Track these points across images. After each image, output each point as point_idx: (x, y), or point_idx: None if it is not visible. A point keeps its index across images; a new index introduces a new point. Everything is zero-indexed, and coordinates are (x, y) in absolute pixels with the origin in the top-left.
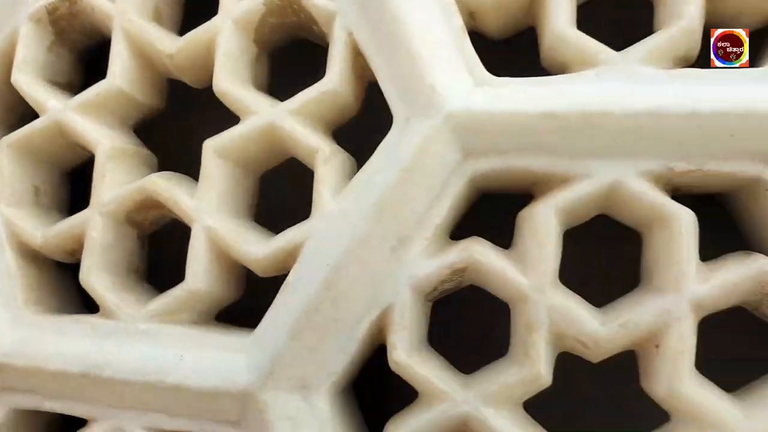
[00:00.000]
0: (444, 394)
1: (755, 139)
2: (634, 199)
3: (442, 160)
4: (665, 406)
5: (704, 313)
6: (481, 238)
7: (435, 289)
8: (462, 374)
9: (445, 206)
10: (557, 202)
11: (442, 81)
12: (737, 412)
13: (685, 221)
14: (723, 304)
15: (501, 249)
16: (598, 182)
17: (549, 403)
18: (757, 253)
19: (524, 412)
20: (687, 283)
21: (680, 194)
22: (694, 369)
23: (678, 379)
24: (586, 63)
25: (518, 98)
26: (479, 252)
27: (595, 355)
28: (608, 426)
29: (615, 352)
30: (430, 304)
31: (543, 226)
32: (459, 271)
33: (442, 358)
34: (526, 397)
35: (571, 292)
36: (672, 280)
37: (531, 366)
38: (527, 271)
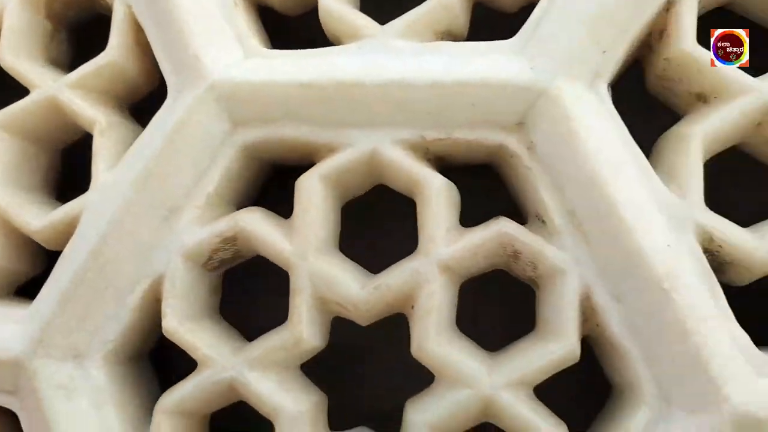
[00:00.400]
0: (210, 360)
1: (494, 109)
2: (392, 167)
3: (208, 130)
4: (425, 365)
5: (459, 275)
6: (258, 208)
7: (210, 258)
8: (246, 342)
9: (216, 175)
10: (321, 170)
11: (208, 52)
12: (483, 368)
13: (434, 187)
14: (473, 265)
15: (278, 217)
16: (359, 151)
17: (343, 367)
18: (503, 217)
19: (301, 375)
20: (435, 246)
21: (448, 165)
22: (445, 328)
23: (426, 337)
24: (352, 36)
25: (281, 69)
26: (246, 220)
27: (361, 318)
28: (392, 386)
29: (379, 314)
30: (217, 274)
31: (305, 193)
32: (230, 240)
33: (230, 327)
34: (296, 360)
35: (338, 258)
36: (423, 243)
37: (293, 329)
38: (293, 238)
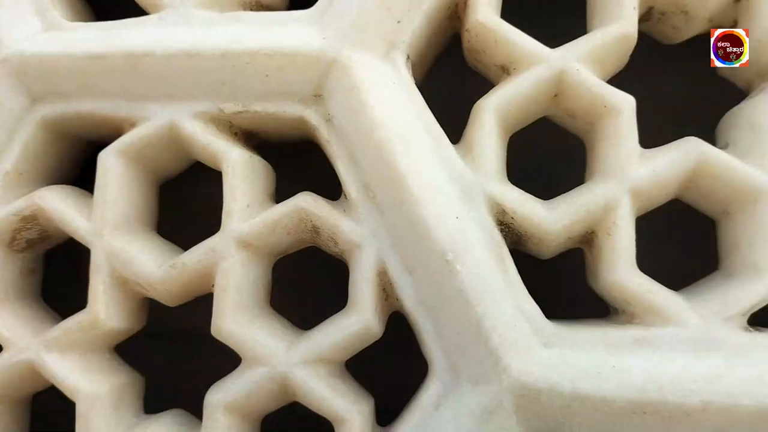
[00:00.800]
0: (9, 342)
1: (288, 79)
2: (191, 141)
3: (4, 105)
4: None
5: (263, 252)
6: (60, 186)
7: (14, 238)
8: None
9: (15, 153)
10: (117, 146)
11: (2, 25)
12: (281, 347)
13: (231, 161)
14: (278, 242)
15: (87, 195)
16: (156, 124)
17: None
18: (306, 192)
19: (111, 357)
20: (231, 222)
21: (263, 141)
22: (246, 306)
23: (222, 316)
24: (156, 7)
25: (76, 41)
26: (43, 198)
27: (164, 299)
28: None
29: (183, 294)
30: (30, 255)
31: (102, 170)
32: (31, 219)
33: (47, 310)
34: (102, 342)
35: (142, 237)
36: (223, 219)
37: (89, 310)
38: (91, 216)
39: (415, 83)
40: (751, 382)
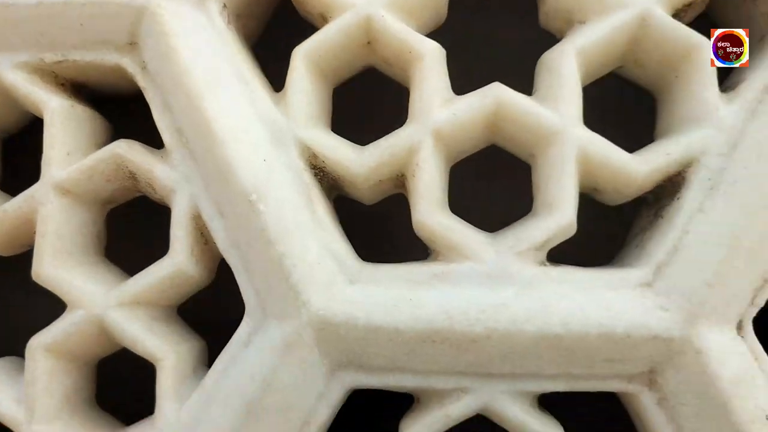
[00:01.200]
0: None
1: (102, 28)
2: (13, 90)
3: None
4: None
5: (85, 200)
6: None
7: None
8: None
9: None
10: None
11: None
12: (99, 290)
13: (49, 109)
14: (99, 188)
15: None
16: None
17: None
18: (127, 140)
19: None
20: (49, 169)
21: (95, 93)
22: (69, 252)
23: (40, 260)
24: None
25: None
26: None
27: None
28: None
29: (8, 242)
30: None
31: None
32: None
33: None
34: None
35: None
36: (42, 168)
37: None
38: None
39: (249, 35)
40: (535, 311)
